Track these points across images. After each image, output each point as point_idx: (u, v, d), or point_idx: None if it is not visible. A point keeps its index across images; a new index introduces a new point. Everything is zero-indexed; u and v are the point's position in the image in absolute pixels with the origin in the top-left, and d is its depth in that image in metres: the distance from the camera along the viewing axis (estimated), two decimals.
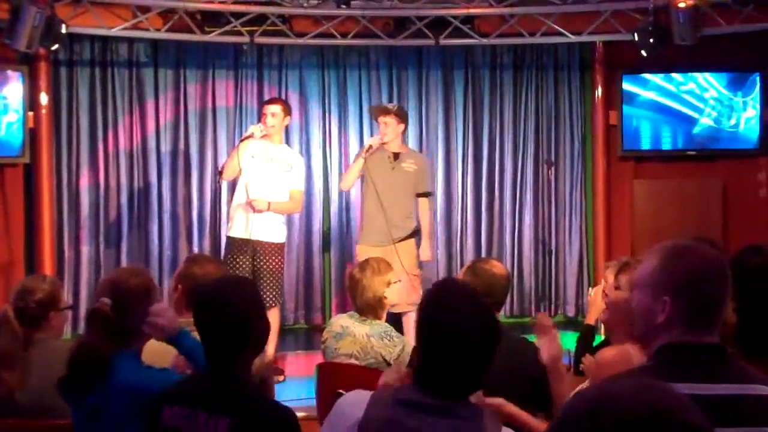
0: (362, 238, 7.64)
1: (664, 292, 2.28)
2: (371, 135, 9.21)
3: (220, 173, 8.07)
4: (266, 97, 9.16)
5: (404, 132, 7.77)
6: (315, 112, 9.65)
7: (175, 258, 9.15)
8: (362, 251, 7.28)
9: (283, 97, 9.33)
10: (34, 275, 4.34)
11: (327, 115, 9.66)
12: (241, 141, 7.41)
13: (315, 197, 9.60)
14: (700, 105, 9.50)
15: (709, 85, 9.48)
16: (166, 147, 9.39)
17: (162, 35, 8.74)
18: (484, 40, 9.10)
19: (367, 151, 7.45)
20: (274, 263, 7.37)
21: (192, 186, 9.43)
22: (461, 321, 2.41)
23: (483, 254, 9.48)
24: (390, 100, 9.57)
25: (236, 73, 9.50)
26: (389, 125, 7.51)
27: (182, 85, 9.39)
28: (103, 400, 3.21)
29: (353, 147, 9.57)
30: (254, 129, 7.36)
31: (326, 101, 9.64)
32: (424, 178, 7.74)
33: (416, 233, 7.65)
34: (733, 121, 9.49)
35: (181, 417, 2.85)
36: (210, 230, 9.43)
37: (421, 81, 9.73)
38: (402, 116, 7.66)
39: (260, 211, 7.18)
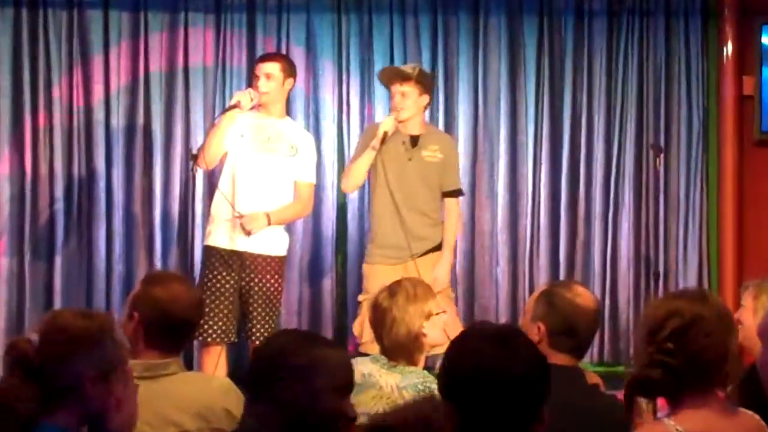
0: (371, 254, 6.84)
1: None
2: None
3: (195, 158, 7.19)
4: (259, 53, 7.95)
5: (428, 106, 6.97)
6: (327, 73, 8.32)
7: (130, 276, 8.13)
8: (372, 272, 6.64)
9: (284, 52, 8.15)
10: None
11: (344, 78, 8.31)
12: (223, 113, 6.71)
13: (326, 193, 8.27)
14: None
15: None
16: (118, 121, 8.17)
17: None
18: None
19: (382, 140, 6.65)
20: (269, 283, 6.67)
21: (155, 176, 8.20)
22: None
23: (561, 276, 8.26)
24: (433, 58, 8.32)
25: (218, 18, 8.20)
26: (408, 96, 6.71)
27: (142, 35, 8.14)
28: None
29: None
30: (241, 97, 6.62)
31: (343, 59, 8.31)
32: (454, 171, 6.98)
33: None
34: None
35: None
36: (179, 237, 8.23)
37: (477, 32, 8.32)
38: (426, 84, 6.87)
39: (256, 231, 6.55)
